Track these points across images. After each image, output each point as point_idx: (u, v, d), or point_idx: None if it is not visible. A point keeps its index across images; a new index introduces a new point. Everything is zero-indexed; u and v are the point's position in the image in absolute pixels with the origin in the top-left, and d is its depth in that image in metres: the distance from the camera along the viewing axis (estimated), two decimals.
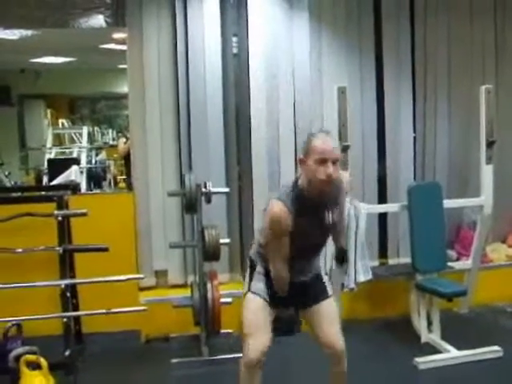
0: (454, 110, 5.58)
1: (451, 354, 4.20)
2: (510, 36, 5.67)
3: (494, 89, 4.84)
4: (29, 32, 5.69)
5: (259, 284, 2.97)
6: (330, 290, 3.09)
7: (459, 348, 4.22)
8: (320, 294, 3.04)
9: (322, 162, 2.68)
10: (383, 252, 5.53)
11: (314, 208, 2.83)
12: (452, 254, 5.37)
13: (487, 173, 4.80)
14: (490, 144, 4.75)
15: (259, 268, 3.01)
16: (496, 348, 4.22)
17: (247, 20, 5.08)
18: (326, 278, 3.13)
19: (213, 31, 5.01)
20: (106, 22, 4.98)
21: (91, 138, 9.99)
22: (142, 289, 4.93)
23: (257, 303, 2.95)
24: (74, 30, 5.06)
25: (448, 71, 5.56)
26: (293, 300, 3.00)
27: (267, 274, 2.96)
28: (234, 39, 5.16)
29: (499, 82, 5.58)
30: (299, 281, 2.98)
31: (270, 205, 2.79)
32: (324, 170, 2.68)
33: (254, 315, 2.94)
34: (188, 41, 4.98)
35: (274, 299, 2.95)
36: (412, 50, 5.49)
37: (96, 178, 8.59)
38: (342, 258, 2.85)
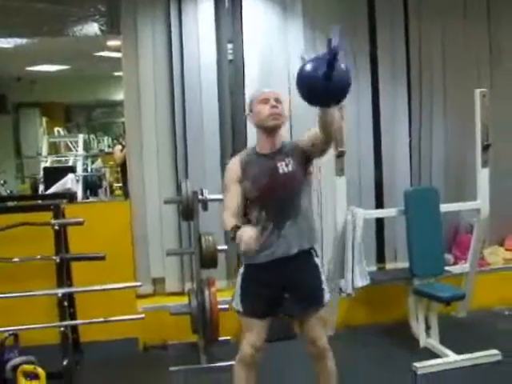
0: (449, 115, 5.60)
1: (450, 358, 4.19)
2: (504, 40, 5.70)
3: (489, 92, 4.84)
4: (24, 40, 5.72)
5: (237, 294, 3.01)
6: (326, 297, 3.03)
7: (458, 352, 4.21)
8: (314, 303, 2.99)
9: (266, 100, 2.92)
10: (381, 257, 5.53)
11: (264, 159, 2.95)
12: (449, 258, 5.37)
13: (483, 176, 4.81)
14: (485, 147, 4.76)
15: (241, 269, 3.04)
16: (494, 352, 4.21)
17: (242, 27, 5.09)
18: (323, 277, 3.05)
19: (208, 38, 5.02)
20: (100, 29, 4.99)
21: (87, 145, 10.01)
22: (139, 296, 4.92)
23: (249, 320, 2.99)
24: (69, 38, 5.07)
25: (443, 76, 5.58)
26: (287, 301, 2.98)
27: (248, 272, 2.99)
28: (229, 46, 5.17)
29: (494, 85, 5.60)
30: (286, 255, 2.90)
31: None
32: (268, 106, 2.91)
33: (249, 318, 2.98)
34: (183, 48, 4.99)
35: (267, 304, 2.95)
36: (407, 55, 5.51)
37: (92, 186, 8.58)
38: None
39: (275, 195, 2.88)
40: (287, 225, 2.90)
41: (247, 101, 3.16)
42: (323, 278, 3.04)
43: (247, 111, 3.07)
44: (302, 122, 5.12)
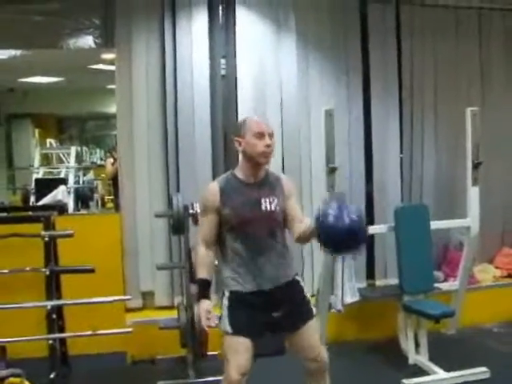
0: (440, 132, 5.65)
1: (439, 375, 4.19)
2: (495, 58, 5.77)
3: (480, 111, 4.88)
4: (18, 52, 5.72)
5: (225, 317, 2.96)
6: (313, 308, 3.07)
7: (447, 369, 4.21)
8: (303, 315, 3.00)
9: (261, 135, 2.89)
10: (370, 273, 5.53)
11: (247, 189, 2.95)
12: (439, 275, 5.38)
13: (473, 194, 4.83)
14: (476, 166, 4.79)
15: (226, 295, 3.01)
16: (483, 369, 4.21)
17: (235, 42, 5.12)
18: (306, 291, 3.10)
19: (201, 53, 5.05)
20: (95, 42, 5.01)
21: (79, 157, 9.99)
22: (128, 310, 4.90)
23: (229, 338, 2.93)
24: (64, 51, 5.08)
25: (434, 94, 5.63)
26: (276, 319, 2.96)
27: (233, 297, 2.98)
28: (223, 61, 5.19)
29: (485, 103, 5.65)
30: (272, 288, 2.94)
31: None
32: (262, 143, 2.89)
33: (234, 339, 2.90)
34: (176, 62, 5.01)
35: (243, 320, 2.92)
36: (399, 72, 5.55)
37: (83, 198, 8.59)
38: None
39: (253, 230, 2.91)
40: (265, 258, 2.94)
41: (239, 123, 3.12)
42: (306, 293, 3.08)
43: (236, 133, 2.99)
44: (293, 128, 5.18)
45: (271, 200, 2.94)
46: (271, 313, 2.94)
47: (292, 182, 3.18)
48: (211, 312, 2.88)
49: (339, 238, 2.57)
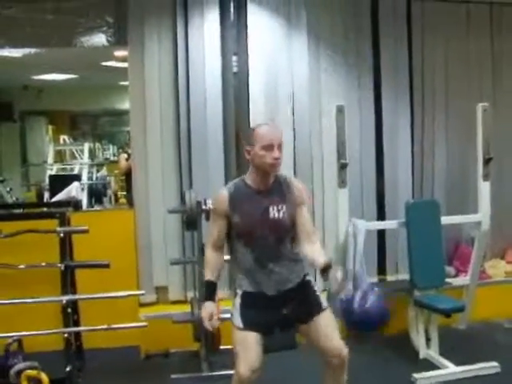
0: (451, 127, 5.64)
1: (449, 369, 4.22)
2: (506, 54, 5.75)
3: (492, 106, 4.89)
4: (32, 50, 5.77)
5: (236, 313, 3.03)
6: (324, 302, 3.10)
7: (457, 364, 4.24)
8: (314, 307, 3.05)
9: (269, 147, 2.89)
10: (382, 268, 5.55)
11: (256, 196, 2.97)
12: (450, 270, 5.39)
13: (484, 189, 4.85)
14: (487, 161, 4.80)
15: (239, 294, 3.08)
16: (494, 364, 4.24)
17: (247, 39, 5.15)
18: (317, 288, 3.15)
19: (213, 50, 5.08)
20: (107, 40, 5.06)
21: (92, 154, 10.05)
22: (142, 305, 4.95)
23: (239, 333, 2.99)
24: (77, 49, 5.13)
25: (446, 89, 5.63)
26: (286, 315, 3.02)
27: (245, 297, 3.05)
28: (234, 58, 5.21)
29: (496, 99, 5.65)
30: (281, 292, 3.00)
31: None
32: (271, 155, 2.89)
33: (244, 334, 2.96)
34: (188, 59, 5.05)
35: (253, 317, 2.98)
36: (410, 68, 5.55)
37: (97, 194, 8.62)
38: (326, 270, 2.77)
39: (261, 238, 2.96)
40: (273, 264, 2.99)
41: (250, 131, 3.09)
42: (316, 289, 3.13)
43: (247, 141, 3.00)
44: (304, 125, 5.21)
45: (279, 208, 2.97)
46: (281, 310, 3.00)
47: (304, 186, 3.19)
48: (214, 314, 2.94)
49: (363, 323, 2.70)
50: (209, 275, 3.05)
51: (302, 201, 3.06)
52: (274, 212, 2.96)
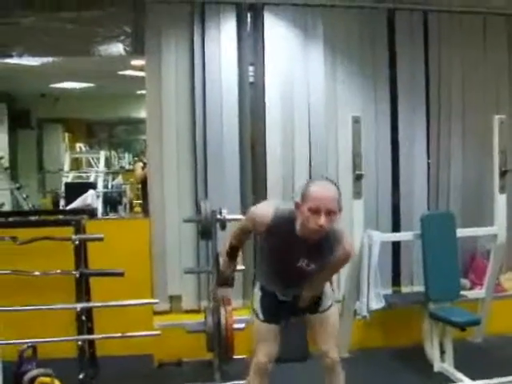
0: (467, 140, 5.61)
1: (464, 383, 4.18)
2: None
3: (508, 118, 4.86)
4: (50, 58, 5.83)
5: (257, 304, 3.16)
6: (330, 300, 3.19)
7: (472, 378, 4.20)
8: (319, 303, 3.16)
9: (316, 211, 2.62)
10: (396, 280, 5.52)
11: (295, 241, 2.80)
12: (466, 282, 5.35)
13: (500, 202, 4.82)
14: (503, 173, 4.77)
15: (258, 286, 3.19)
16: (510, 379, 4.18)
17: (264, 49, 5.17)
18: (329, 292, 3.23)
19: (230, 60, 5.11)
20: (125, 50, 5.09)
21: (108, 162, 10.11)
22: (156, 313, 4.94)
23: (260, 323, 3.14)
24: (95, 58, 5.17)
25: (462, 101, 5.61)
26: (300, 308, 3.14)
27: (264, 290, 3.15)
28: (251, 68, 5.24)
29: None
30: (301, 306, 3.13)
31: (264, 202, 3.15)
32: (315, 220, 2.63)
33: (263, 325, 3.11)
34: (205, 69, 5.08)
35: (273, 310, 3.11)
36: (426, 79, 5.54)
37: (112, 203, 8.67)
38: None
39: (283, 275, 3.02)
40: (293, 289, 3.10)
41: (304, 184, 2.82)
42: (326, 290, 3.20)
43: (299, 194, 2.75)
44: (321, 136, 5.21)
45: (309, 264, 2.90)
46: (296, 305, 3.11)
47: (351, 250, 3.06)
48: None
49: None
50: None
51: (340, 264, 3.10)
52: (301, 263, 2.90)
